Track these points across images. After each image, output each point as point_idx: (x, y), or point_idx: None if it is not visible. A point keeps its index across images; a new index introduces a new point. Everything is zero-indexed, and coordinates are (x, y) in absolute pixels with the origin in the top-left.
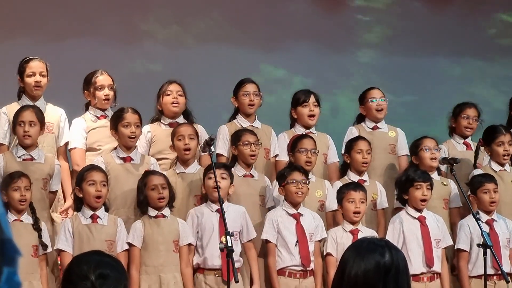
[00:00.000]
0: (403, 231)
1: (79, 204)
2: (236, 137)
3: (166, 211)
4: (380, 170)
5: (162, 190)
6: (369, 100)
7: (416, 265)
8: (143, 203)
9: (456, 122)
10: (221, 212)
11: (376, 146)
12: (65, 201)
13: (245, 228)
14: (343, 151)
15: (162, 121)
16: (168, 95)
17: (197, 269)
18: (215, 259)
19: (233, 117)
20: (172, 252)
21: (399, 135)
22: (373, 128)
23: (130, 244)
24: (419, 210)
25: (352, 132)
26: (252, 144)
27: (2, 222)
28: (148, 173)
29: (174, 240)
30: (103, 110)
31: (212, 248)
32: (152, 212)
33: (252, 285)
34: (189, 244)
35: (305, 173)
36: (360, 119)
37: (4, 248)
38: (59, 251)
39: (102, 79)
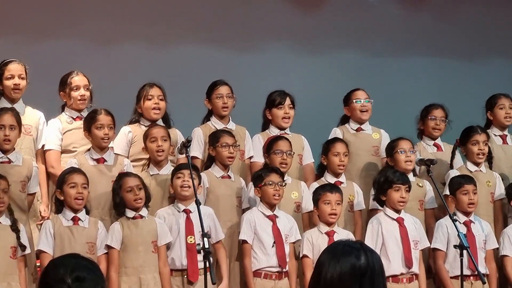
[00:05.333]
0: (382, 232)
1: (60, 206)
2: (214, 138)
3: (143, 212)
4: (363, 171)
5: (138, 191)
6: (354, 101)
7: (395, 265)
8: (119, 205)
9: (424, 124)
10: (188, 212)
11: (359, 147)
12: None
13: (213, 229)
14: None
15: (141, 122)
16: (150, 99)
17: None
18: (182, 259)
19: (207, 119)
20: (151, 252)
21: (383, 136)
22: (357, 130)
23: (108, 246)
24: (397, 211)
25: (336, 133)
26: (231, 146)
27: None
28: (123, 175)
29: (153, 240)
30: (79, 111)
31: (178, 249)
32: (129, 213)
33: (222, 281)
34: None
35: (282, 175)
36: (344, 120)
37: None
38: (40, 252)
39: (78, 79)
